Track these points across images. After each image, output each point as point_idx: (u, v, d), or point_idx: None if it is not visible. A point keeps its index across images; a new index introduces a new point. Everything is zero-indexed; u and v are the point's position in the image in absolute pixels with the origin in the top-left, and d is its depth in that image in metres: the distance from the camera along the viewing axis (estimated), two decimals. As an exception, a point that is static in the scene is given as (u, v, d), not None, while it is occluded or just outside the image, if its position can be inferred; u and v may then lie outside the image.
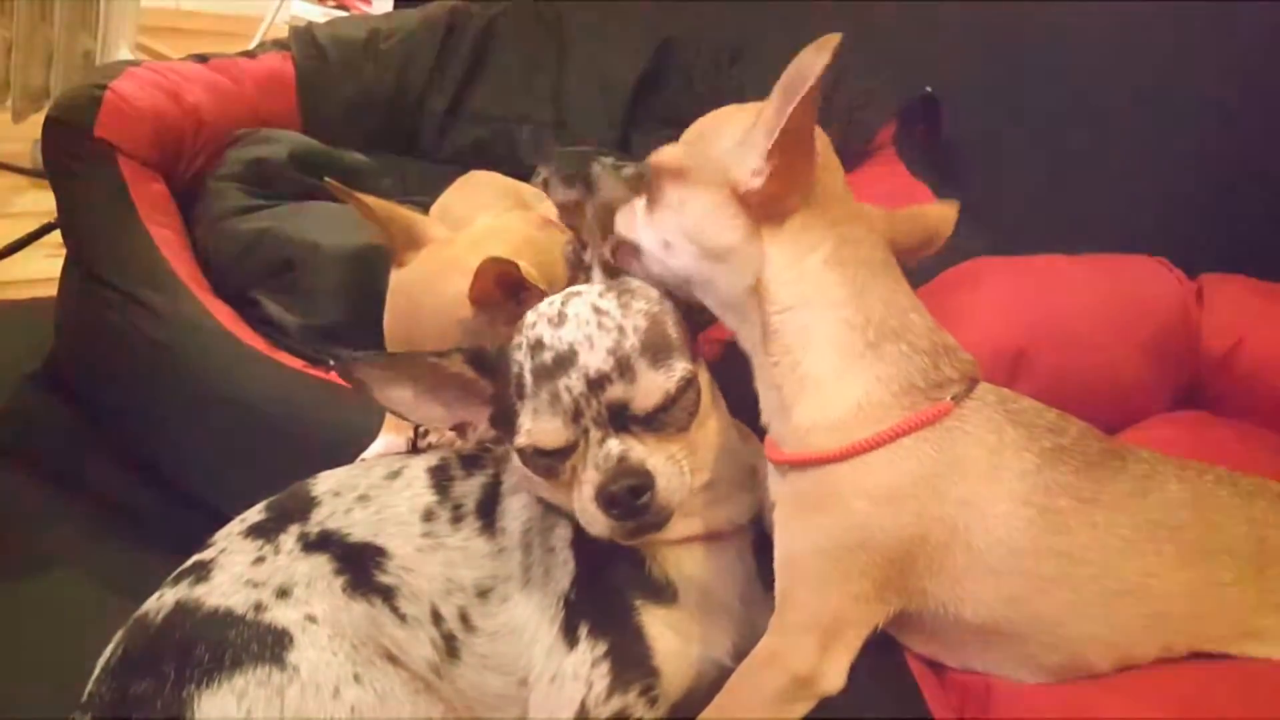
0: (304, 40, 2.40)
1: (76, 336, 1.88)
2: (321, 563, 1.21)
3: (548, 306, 1.17)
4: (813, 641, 1.07)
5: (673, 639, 1.20)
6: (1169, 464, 1.17)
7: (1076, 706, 1.06)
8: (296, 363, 1.63)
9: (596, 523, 1.12)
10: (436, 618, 1.23)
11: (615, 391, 1.10)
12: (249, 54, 2.36)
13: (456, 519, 1.28)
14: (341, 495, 1.29)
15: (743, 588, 1.28)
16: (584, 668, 1.18)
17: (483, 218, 1.75)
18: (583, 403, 1.10)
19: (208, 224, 1.85)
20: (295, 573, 1.19)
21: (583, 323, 1.12)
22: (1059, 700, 1.08)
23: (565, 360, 1.11)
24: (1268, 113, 1.88)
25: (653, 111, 2.47)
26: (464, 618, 1.23)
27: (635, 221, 1.22)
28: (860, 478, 1.09)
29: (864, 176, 2.23)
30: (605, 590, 1.20)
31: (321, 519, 1.26)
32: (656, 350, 1.13)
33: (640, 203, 1.22)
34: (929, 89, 2.31)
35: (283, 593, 1.16)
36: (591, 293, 1.17)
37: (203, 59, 2.24)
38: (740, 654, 1.24)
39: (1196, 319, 1.70)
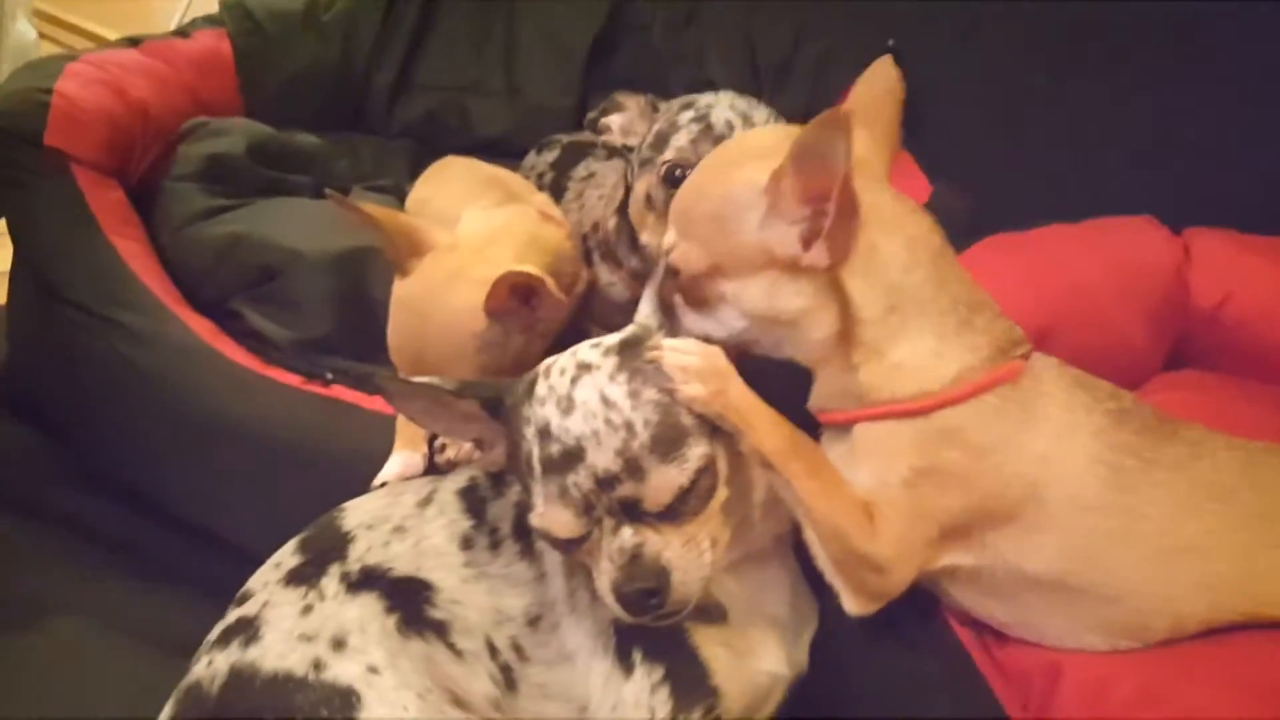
0: (238, 15, 2.26)
1: (41, 359, 1.76)
2: (370, 602, 1.17)
3: (559, 378, 1.10)
4: (903, 561, 1.12)
5: (728, 656, 1.19)
6: (1216, 435, 1.21)
7: (1150, 699, 1.09)
8: (293, 379, 1.56)
9: (615, 612, 1.10)
10: (492, 650, 1.20)
11: (625, 490, 1.05)
12: (181, 33, 2.22)
13: (494, 544, 1.24)
14: (375, 528, 1.25)
15: (789, 595, 1.28)
16: (644, 695, 1.16)
17: (470, 213, 1.68)
18: (593, 498, 1.06)
19: (171, 231, 1.74)
20: (346, 619, 1.15)
21: (590, 415, 1.05)
22: (1131, 692, 1.11)
23: (573, 456, 1.05)
24: (1243, 64, 1.89)
25: (609, 75, 2.39)
26: (517, 648, 1.21)
27: (690, 319, 1.19)
28: (952, 431, 1.11)
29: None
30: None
31: (360, 555, 1.21)
32: (669, 443, 1.06)
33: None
34: (892, 43, 2.28)
35: (338, 644, 1.12)
36: (602, 373, 1.09)
37: (134, 42, 2.09)
38: (793, 661, 1.25)
39: (1186, 276, 1.73)
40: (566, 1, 2.42)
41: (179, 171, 1.82)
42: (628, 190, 1.64)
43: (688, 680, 1.17)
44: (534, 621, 1.21)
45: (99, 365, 1.60)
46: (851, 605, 1.14)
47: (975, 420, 1.12)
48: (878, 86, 1.22)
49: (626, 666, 1.18)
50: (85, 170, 1.68)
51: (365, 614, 1.16)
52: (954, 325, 1.14)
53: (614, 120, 1.61)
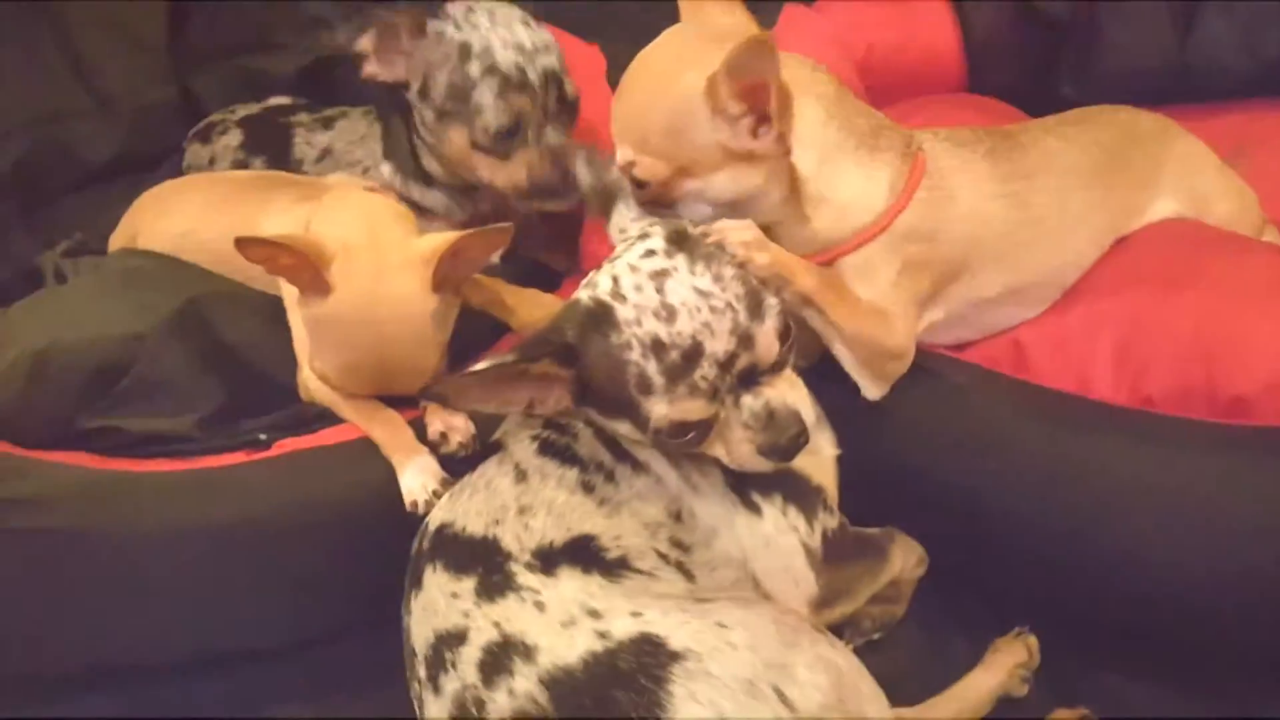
0: None
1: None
2: (570, 573, 1.20)
3: (638, 294, 1.16)
4: (907, 331, 1.39)
5: (808, 460, 1.36)
6: (1027, 129, 1.58)
7: (1097, 318, 1.46)
8: (235, 457, 1.39)
9: (758, 468, 1.24)
10: (663, 558, 1.28)
11: (743, 362, 1.17)
12: None
13: (609, 476, 1.30)
14: (503, 520, 1.25)
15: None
16: (781, 520, 1.33)
17: (273, 219, 1.57)
18: (718, 382, 1.17)
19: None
20: (574, 594, 1.17)
21: (693, 310, 1.14)
22: (1081, 322, 1.47)
23: (693, 354, 1.14)
24: None
25: (204, 49, 2.19)
26: (679, 544, 1.30)
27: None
28: (909, 231, 1.37)
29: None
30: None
31: (519, 545, 1.22)
32: (757, 305, 1.19)
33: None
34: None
35: (593, 613, 1.14)
36: (683, 271, 1.17)
37: None
38: (836, 440, 1.46)
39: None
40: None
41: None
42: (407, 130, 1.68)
43: (801, 491, 1.35)
44: (676, 516, 1.30)
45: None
46: (874, 392, 1.42)
47: (918, 215, 1.37)
48: None
49: (754, 509, 1.32)
50: None
51: (578, 582, 1.18)
52: (868, 154, 1.37)
53: (366, 45, 1.57)
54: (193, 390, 1.44)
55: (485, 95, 1.54)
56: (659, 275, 1.17)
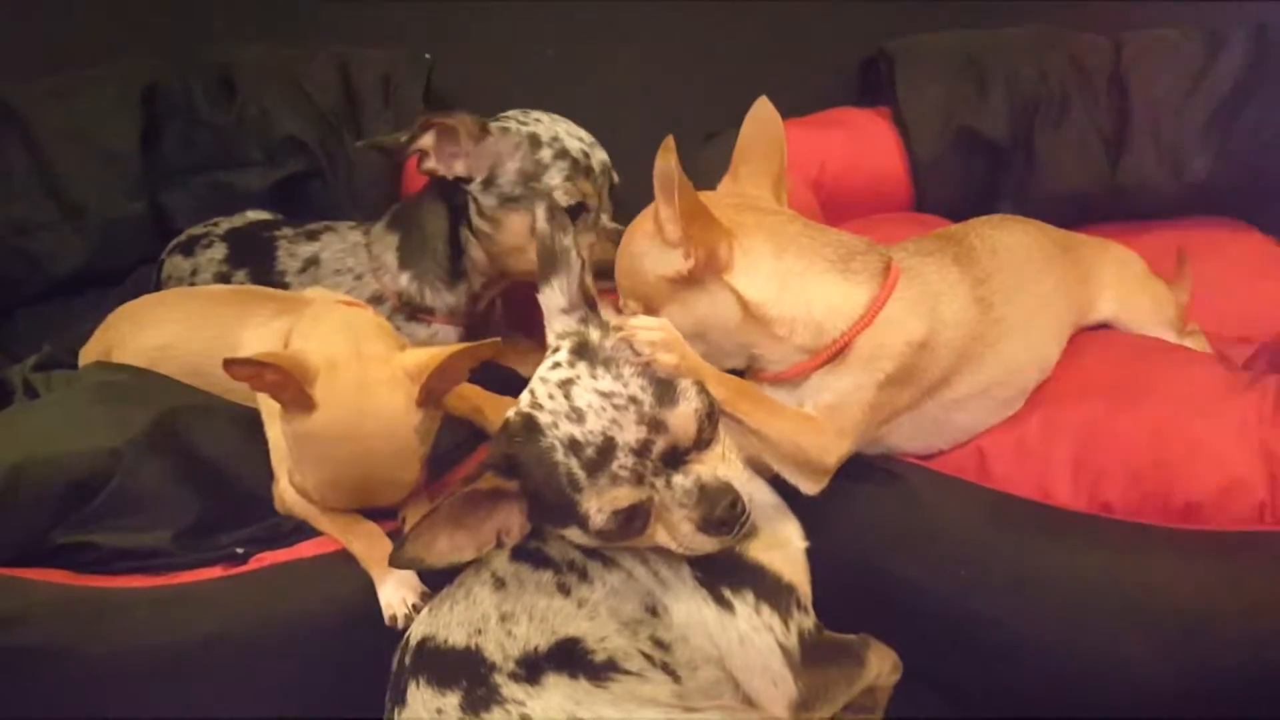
0: None
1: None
2: (555, 680, 1.21)
3: (553, 402, 1.22)
4: (846, 445, 1.42)
5: (776, 554, 1.39)
6: (972, 227, 1.67)
7: (1054, 425, 1.54)
8: (211, 572, 1.38)
9: (705, 547, 1.26)
10: (648, 659, 1.28)
11: (660, 446, 1.21)
12: None
13: (583, 576, 1.31)
14: (485, 629, 1.25)
15: (765, 483, 1.48)
16: (754, 619, 1.33)
17: (254, 333, 1.59)
18: (639, 468, 1.20)
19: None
20: (562, 701, 1.18)
21: (599, 411, 1.19)
22: (1039, 430, 1.54)
23: (607, 448, 1.19)
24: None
25: (175, 164, 2.22)
26: (659, 644, 1.30)
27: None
28: (883, 341, 1.42)
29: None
30: (712, 555, 1.32)
31: (502, 654, 1.23)
32: (667, 390, 1.23)
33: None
34: (428, 56, 2.41)
35: None
36: (584, 378, 1.22)
37: None
38: (803, 532, 1.48)
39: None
40: (93, 104, 2.17)
41: None
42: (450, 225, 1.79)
43: (772, 589, 1.35)
44: (653, 610, 1.31)
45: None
46: (811, 489, 1.43)
47: (900, 324, 1.42)
48: (759, 121, 1.49)
49: (727, 606, 1.33)
50: None
51: (565, 690, 1.19)
52: (839, 275, 1.43)
53: (427, 143, 1.69)
54: (169, 504, 1.42)
55: (555, 177, 1.70)
56: (565, 384, 1.22)
